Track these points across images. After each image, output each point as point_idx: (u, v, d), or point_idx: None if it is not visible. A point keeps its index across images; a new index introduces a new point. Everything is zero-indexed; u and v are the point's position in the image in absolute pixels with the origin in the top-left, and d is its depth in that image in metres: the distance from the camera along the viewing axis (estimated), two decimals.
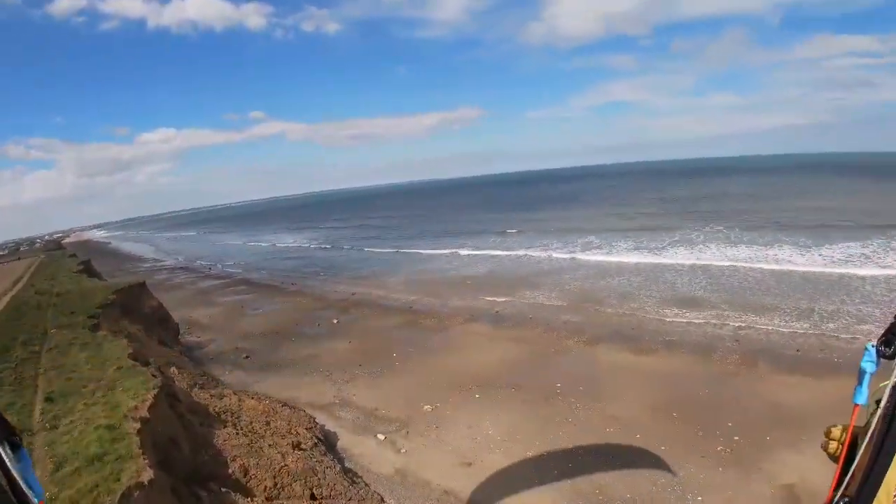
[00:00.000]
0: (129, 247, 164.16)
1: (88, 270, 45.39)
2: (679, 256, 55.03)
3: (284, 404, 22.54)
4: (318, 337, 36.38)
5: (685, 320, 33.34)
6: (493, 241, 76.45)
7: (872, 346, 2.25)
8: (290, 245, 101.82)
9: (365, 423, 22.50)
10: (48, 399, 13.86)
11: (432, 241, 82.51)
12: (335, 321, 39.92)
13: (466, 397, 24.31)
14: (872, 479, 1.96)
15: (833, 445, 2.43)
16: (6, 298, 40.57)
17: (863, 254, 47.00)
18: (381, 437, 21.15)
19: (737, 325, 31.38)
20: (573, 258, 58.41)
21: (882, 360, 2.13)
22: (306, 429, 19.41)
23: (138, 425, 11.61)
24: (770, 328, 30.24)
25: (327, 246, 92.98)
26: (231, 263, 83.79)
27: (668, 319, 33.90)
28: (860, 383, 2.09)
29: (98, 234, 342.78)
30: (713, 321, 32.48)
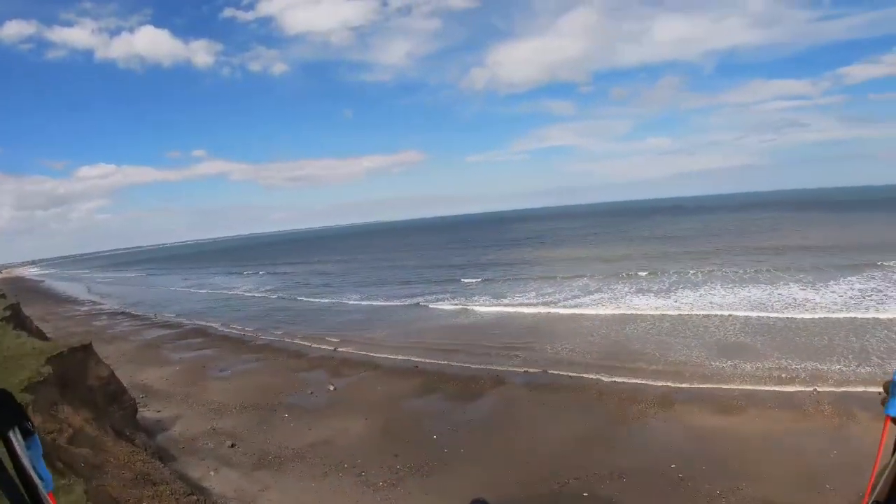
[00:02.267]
0: (63, 286, 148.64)
1: (16, 317, 36.17)
2: (690, 299, 50.47)
3: None
4: (318, 411, 28.51)
5: (746, 371, 29.34)
6: (468, 288, 69.56)
7: None
8: (241, 291, 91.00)
9: None
10: None
11: (400, 288, 74.47)
12: (331, 387, 32.12)
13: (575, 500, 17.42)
14: None
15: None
16: None
17: (874, 289, 46.02)
18: None
19: (803, 372, 28.21)
20: (577, 303, 52.53)
21: None
22: None
23: None
24: (838, 373, 27.68)
25: (282, 292, 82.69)
26: (178, 309, 73.41)
27: (727, 372, 29.50)
28: (893, 395, 1.96)
29: (31, 272, 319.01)
30: (775, 370, 28.87)
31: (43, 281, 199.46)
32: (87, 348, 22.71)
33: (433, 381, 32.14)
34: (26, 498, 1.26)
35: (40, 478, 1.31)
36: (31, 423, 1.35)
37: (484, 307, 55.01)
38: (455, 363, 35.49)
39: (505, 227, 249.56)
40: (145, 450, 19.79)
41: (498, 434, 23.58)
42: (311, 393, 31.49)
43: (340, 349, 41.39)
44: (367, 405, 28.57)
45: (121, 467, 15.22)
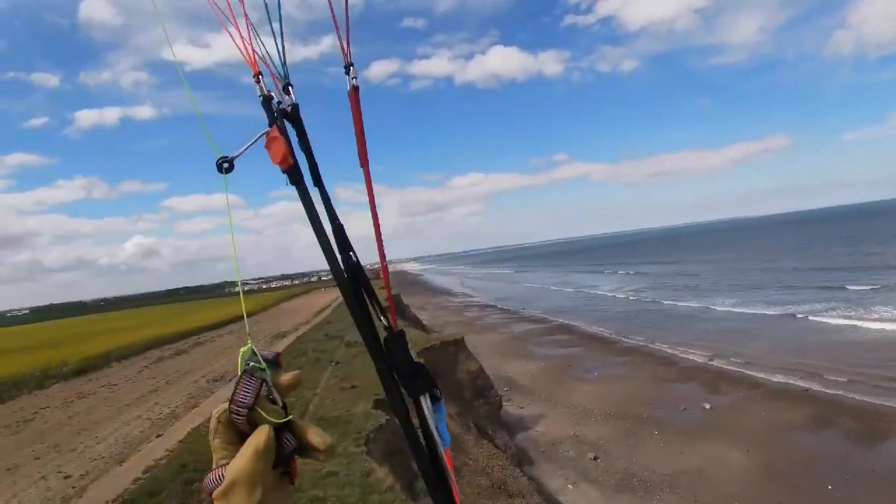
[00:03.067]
0: (439, 280, 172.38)
1: (397, 306, 40.53)
2: None
3: None
4: (691, 432, 24.30)
5: None
6: (858, 297, 52.90)
7: None
8: (604, 290, 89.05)
9: None
10: None
11: (774, 293, 62.40)
12: (707, 405, 27.39)
13: None
14: None
15: None
16: (289, 340, 37.16)
17: None
18: None
19: None
20: None
21: None
22: None
23: None
24: None
25: (645, 293, 77.73)
26: (543, 306, 75.61)
27: None
28: None
29: (413, 266, 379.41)
30: None
31: (422, 275, 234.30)
32: (458, 342, 23.19)
33: (826, 412, 24.85)
34: (425, 450, 1.40)
35: (440, 436, 1.40)
36: (439, 391, 1.42)
37: (880, 323, 42.09)
38: (852, 394, 27.19)
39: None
40: (505, 451, 18.89)
41: None
42: (684, 409, 27.31)
43: (713, 362, 35.82)
44: (746, 433, 23.22)
45: (478, 472, 14.16)
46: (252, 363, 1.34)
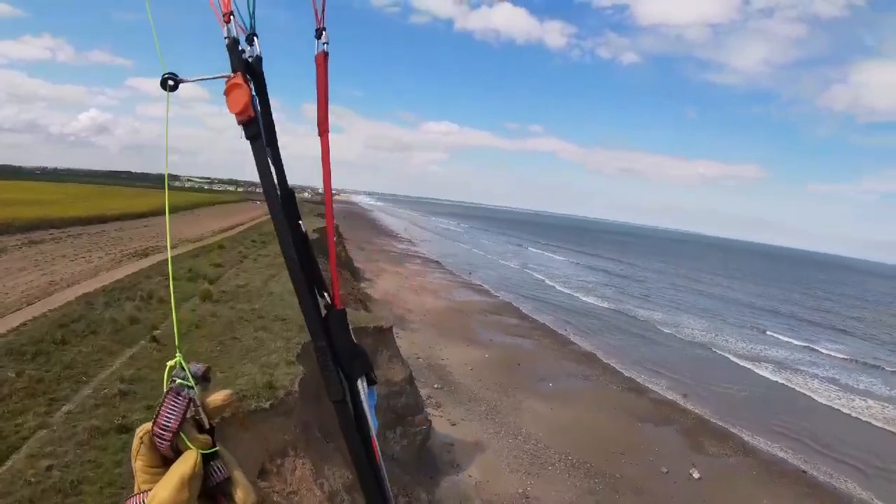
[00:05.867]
0: (388, 221, 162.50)
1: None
2: None
3: None
4: None
5: None
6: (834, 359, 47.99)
7: None
8: (557, 276, 79.07)
9: None
10: None
11: (751, 331, 57.13)
12: (695, 473, 20.63)
13: None
14: None
15: None
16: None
17: None
18: None
19: None
20: None
21: None
22: None
23: None
24: None
25: (603, 290, 69.31)
26: (493, 277, 67.17)
27: None
28: None
29: (364, 200, 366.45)
30: None
31: (372, 211, 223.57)
32: (382, 334, 14.85)
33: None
34: (357, 434, 1.38)
35: (372, 421, 1.42)
36: (375, 376, 1.45)
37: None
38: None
39: (854, 280, 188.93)
40: None
41: None
42: (667, 473, 20.24)
43: (692, 406, 28.83)
44: None
45: None
46: (179, 379, 1.26)
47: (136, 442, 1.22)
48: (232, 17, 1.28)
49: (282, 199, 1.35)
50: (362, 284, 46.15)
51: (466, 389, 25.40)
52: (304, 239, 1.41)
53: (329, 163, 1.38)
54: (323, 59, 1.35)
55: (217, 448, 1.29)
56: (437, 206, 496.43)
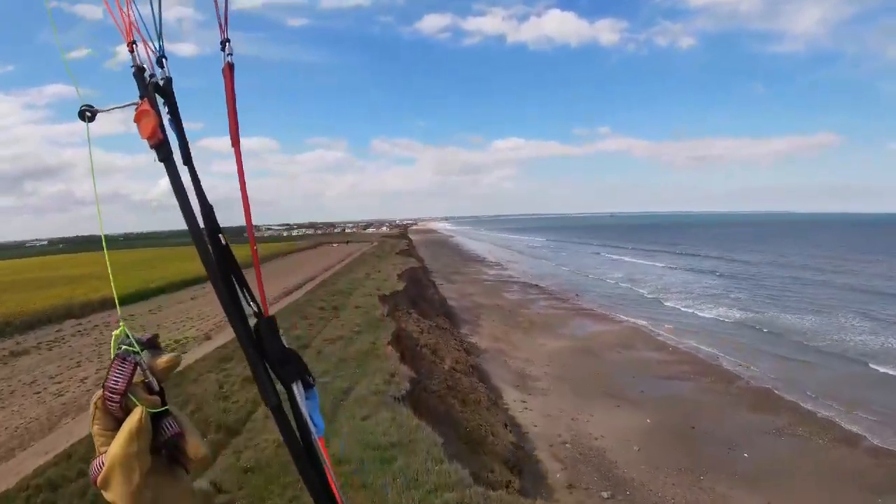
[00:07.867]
0: (472, 245, 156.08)
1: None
2: None
3: None
4: None
5: None
6: None
7: None
8: (667, 281, 70.65)
9: None
10: None
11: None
12: None
13: None
14: None
15: None
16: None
17: None
18: None
19: None
20: None
21: None
22: None
23: None
24: None
25: (744, 303, 54.23)
26: (605, 295, 58.71)
27: None
28: None
29: (443, 227, 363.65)
30: None
31: (453, 236, 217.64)
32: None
33: None
34: (299, 439, 1.40)
35: (314, 424, 1.43)
36: (312, 378, 1.46)
37: None
38: None
39: None
40: None
41: None
42: None
43: None
44: None
45: None
46: (124, 346, 1.34)
47: (91, 408, 1.29)
48: (135, 45, 1.32)
49: (203, 214, 1.39)
50: (463, 331, 39.38)
51: (646, 491, 17.64)
52: (227, 251, 1.42)
53: (243, 172, 1.40)
54: (229, 71, 1.36)
55: (167, 407, 1.35)
56: (513, 222, 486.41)
